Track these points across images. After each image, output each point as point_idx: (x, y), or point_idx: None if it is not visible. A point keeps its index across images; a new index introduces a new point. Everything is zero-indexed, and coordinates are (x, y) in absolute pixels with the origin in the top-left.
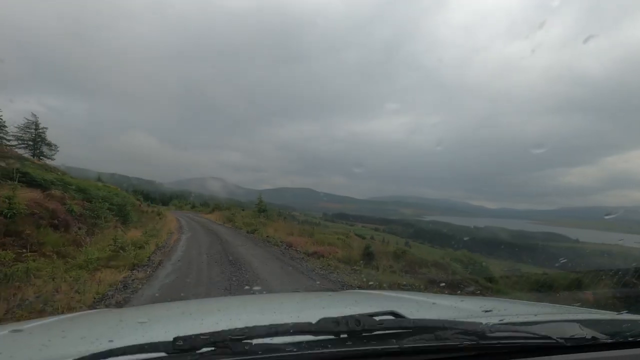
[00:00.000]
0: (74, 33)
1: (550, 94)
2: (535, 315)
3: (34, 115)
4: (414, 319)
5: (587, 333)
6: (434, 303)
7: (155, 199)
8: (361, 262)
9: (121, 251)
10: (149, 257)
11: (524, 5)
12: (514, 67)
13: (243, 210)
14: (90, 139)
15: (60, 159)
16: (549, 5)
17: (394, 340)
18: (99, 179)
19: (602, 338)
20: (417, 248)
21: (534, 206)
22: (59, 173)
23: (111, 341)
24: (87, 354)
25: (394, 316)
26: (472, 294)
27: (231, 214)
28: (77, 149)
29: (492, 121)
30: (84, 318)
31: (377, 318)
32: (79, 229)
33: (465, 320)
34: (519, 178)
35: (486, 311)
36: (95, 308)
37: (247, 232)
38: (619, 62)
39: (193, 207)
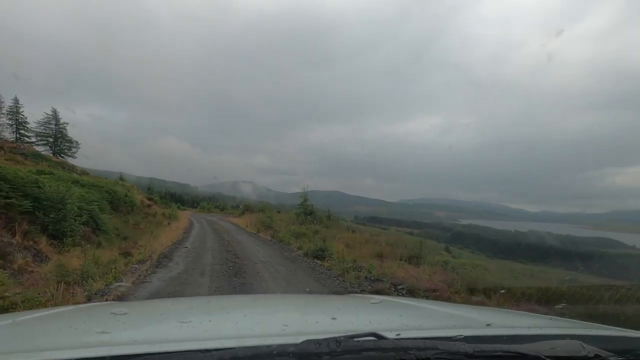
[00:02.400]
0: (112, 50)
1: (594, 89)
2: (540, 329)
3: (54, 111)
4: (394, 339)
5: (590, 350)
6: (437, 310)
7: (187, 201)
8: None
9: None
10: None
11: None
12: (553, 62)
13: (279, 212)
14: (129, 146)
15: (100, 165)
16: None
17: None
18: (120, 179)
19: (608, 355)
20: (464, 255)
21: (578, 209)
22: (78, 172)
23: (107, 332)
24: (80, 345)
25: (375, 337)
26: None
27: (266, 217)
28: (116, 155)
29: (529, 119)
30: (80, 311)
31: (357, 339)
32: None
33: (455, 334)
34: (561, 180)
35: (487, 325)
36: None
37: (306, 254)
38: None
39: (222, 209)
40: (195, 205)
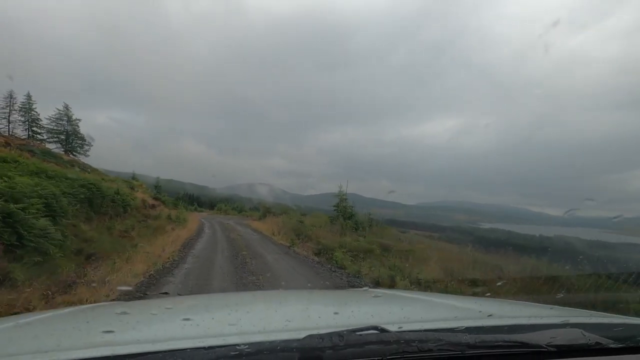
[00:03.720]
0: (130, 55)
1: (621, 88)
2: (540, 318)
3: (66, 106)
4: (396, 332)
5: (591, 338)
6: (438, 302)
7: (205, 202)
8: None
9: None
10: None
11: None
12: (578, 60)
13: (303, 215)
14: (148, 148)
15: (120, 167)
16: None
17: (378, 356)
18: (133, 178)
19: (609, 343)
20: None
21: (605, 213)
22: (89, 171)
23: (111, 332)
24: (84, 346)
25: (377, 330)
26: None
27: (297, 221)
28: (136, 158)
29: (552, 120)
30: (83, 312)
31: (360, 333)
32: None
33: (457, 325)
34: (586, 182)
35: (489, 316)
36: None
37: None
38: None
39: (240, 211)
40: (212, 206)
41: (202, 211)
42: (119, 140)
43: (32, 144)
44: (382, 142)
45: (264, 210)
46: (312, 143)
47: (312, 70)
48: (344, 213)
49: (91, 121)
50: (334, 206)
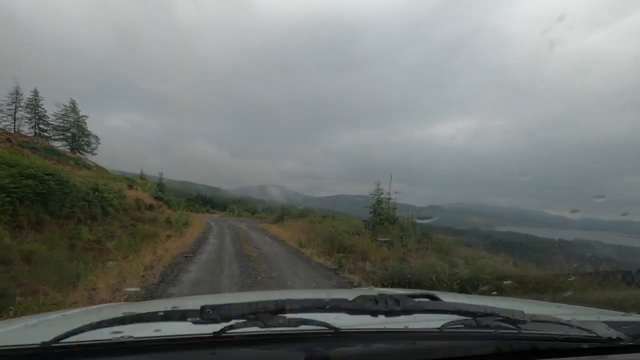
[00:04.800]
0: (146, 59)
1: None
2: (570, 316)
3: (72, 102)
4: (453, 302)
5: (603, 335)
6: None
7: (217, 204)
8: None
9: None
10: None
11: None
12: (596, 59)
13: (324, 217)
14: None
15: (137, 169)
16: None
17: (435, 323)
18: (141, 178)
19: (628, 340)
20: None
21: (628, 217)
22: (93, 168)
23: (118, 332)
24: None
25: (431, 299)
26: None
27: (330, 227)
28: (152, 159)
29: (569, 121)
30: (90, 312)
31: (416, 300)
32: None
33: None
34: (606, 184)
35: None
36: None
37: None
38: None
39: (253, 213)
40: (224, 208)
41: (214, 212)
42: (133, 142)
43: (36, 141)
44: (394, 144)
45: (280, 212)
46: (324, 145)
47: (324, 71)
48: (388, 217)
49: (106, 123)
50: (370, 207)
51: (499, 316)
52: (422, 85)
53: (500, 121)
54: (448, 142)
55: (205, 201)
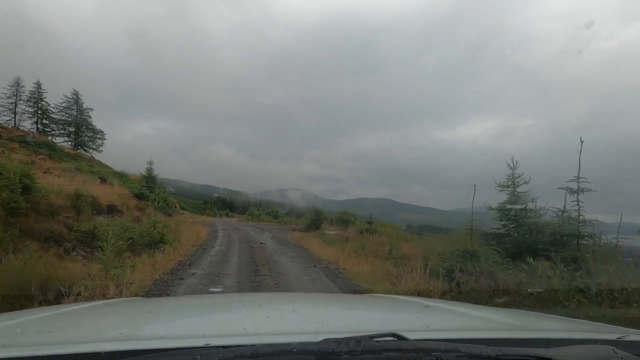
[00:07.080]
0: (169, 66)
1: None
2: (568, 332)
3: (75, 93)
4: (415, 341)
5: (623, 356)
6: (459, 311)
7: (238, 207)
8: None
9: None
10: None
11: None
12: (631, 54)
13: (370, 224)
14: (185, 155)
15: (162, 173)
16: None
17: None
18: (148, 177)
19: None
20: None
21: None
22: (93, 166)
23: (120, 333)
24: (102, 340)
25: (395, 337)
26: None
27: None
28: (175, 164)
29: (602, 120)
30: (102, 307)
31: (377, 340)
32: None
33: (478, 336)
34: None
35: (511, 327)
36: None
37: None
38: None
39: (276, 217)
40: (244, 211)
41: (232, 216)
42: (158, 148)
43: (30, 135)
44: (415, 147)
45: (314, 216)
46: (343, 148)
47: (343, 74)
48: (530, 230)
49: (133, 130)
50: (497, 211)
51: (461, 352)
52: (445, 86)
53: (528, 122)
54: (473, 144)
55: (225, 204)
